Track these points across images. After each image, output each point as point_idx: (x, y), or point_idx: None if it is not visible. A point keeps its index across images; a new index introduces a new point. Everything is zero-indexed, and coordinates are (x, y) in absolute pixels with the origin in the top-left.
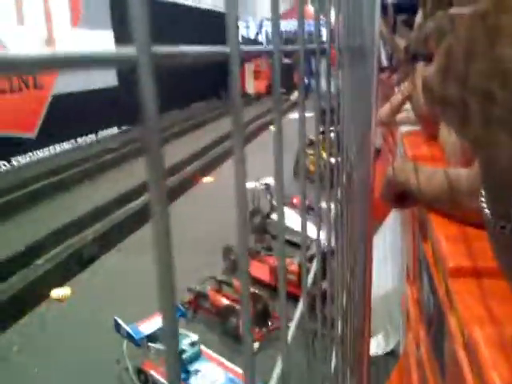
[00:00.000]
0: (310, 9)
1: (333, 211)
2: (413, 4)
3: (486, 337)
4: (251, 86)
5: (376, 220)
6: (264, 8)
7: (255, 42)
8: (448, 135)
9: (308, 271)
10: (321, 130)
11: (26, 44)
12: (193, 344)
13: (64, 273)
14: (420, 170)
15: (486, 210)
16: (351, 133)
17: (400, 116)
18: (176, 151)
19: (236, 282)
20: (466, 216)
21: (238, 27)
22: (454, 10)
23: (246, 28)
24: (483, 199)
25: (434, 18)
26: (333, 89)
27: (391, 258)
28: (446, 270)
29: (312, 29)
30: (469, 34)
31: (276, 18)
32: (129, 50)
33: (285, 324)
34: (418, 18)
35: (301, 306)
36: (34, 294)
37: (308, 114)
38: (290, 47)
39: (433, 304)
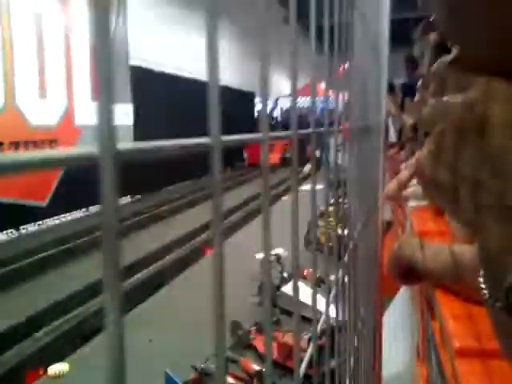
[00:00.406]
0: (322, 86)
1: (334, 287)
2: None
3: None
4: None
5: (387, 295)
6: (280, 85)
7: (270, 116)
8: None
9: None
10: (331, 201)
11: (47, 116)
12: None
13: (63, 347)
14: (426, 245)
15: (485, 290)
16: (357, 206)
17: (408, 191)
18: (183, 223)
19: (243, 360)
20: (472, 293)
21: (219, 118)
22: (446, 98)
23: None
24: (482, 279)
25: (428, 105)
26: (342, 163)
27: (402, 335)
28: (453, 350)
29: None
30: (459, 121)
31: (264, 107)
32: (94, 149)
33: None
34: (417, 97)
35: None
36: (29, 370)
37: (318, 187)
38: (282, 134)
39: None
